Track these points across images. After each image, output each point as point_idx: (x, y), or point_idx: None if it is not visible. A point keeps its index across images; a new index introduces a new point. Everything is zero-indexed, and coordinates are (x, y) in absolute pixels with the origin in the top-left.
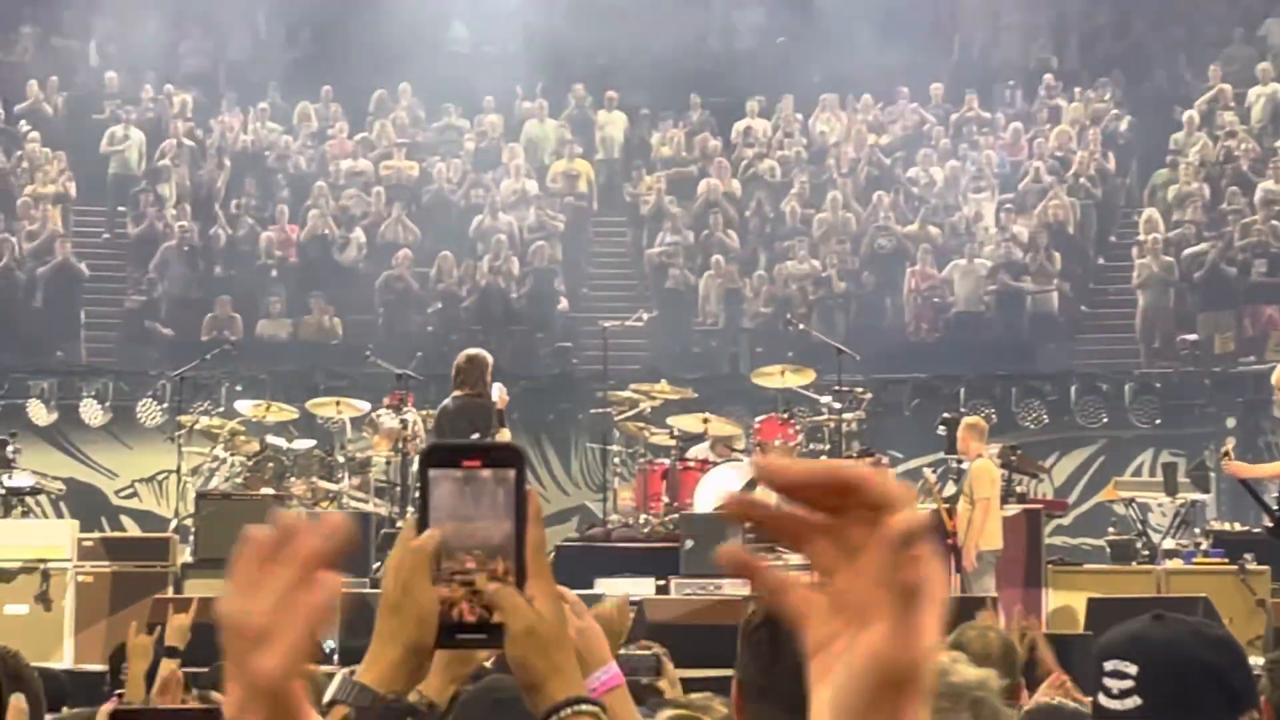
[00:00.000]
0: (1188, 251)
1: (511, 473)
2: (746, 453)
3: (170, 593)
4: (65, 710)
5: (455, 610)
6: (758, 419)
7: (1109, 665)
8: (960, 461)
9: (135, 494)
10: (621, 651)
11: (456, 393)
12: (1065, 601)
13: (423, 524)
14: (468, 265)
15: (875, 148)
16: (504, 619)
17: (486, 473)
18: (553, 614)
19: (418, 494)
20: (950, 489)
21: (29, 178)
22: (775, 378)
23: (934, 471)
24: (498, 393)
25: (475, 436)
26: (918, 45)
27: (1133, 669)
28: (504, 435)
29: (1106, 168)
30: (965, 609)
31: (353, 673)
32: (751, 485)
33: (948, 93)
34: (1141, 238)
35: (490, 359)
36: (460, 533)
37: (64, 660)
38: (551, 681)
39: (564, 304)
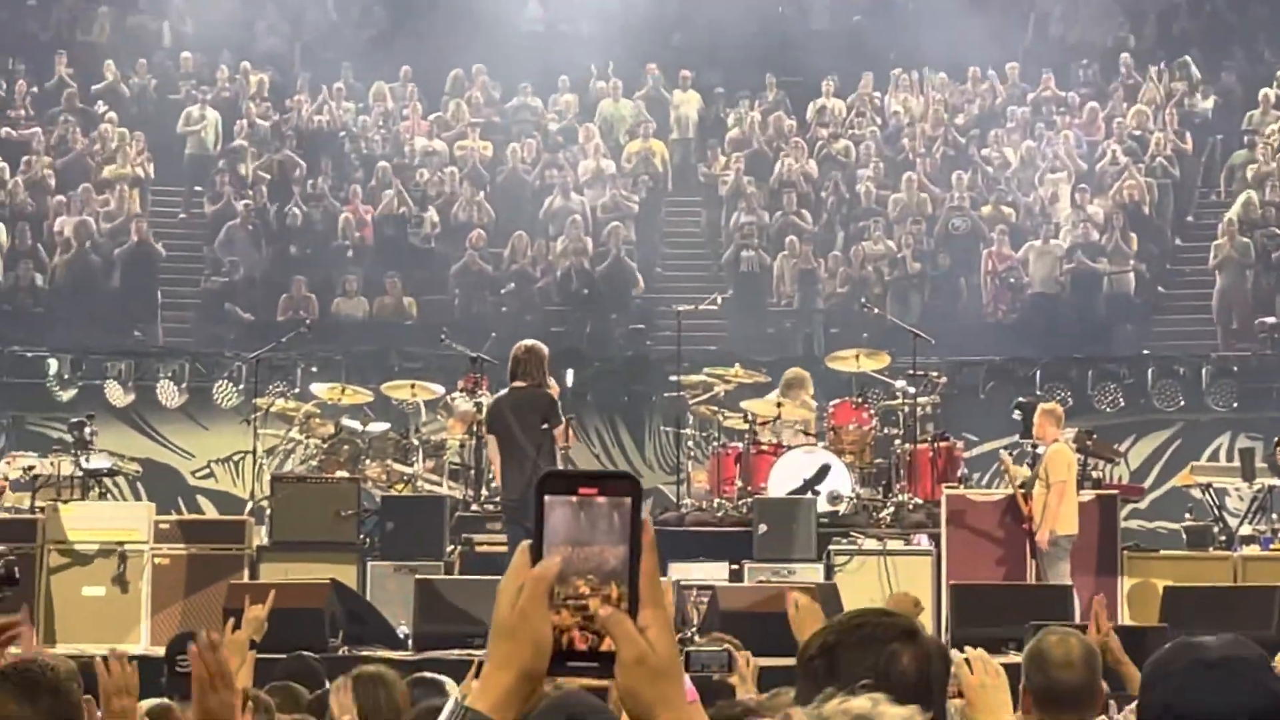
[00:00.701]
0: (1259, 233)
1: (627, 500)
2: (821, 437)
3: (246, 575)
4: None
5: (566, 637)
6: (832, 403)
7: None
8: (1035, 446)
9: (211, 475)
10: (691, 649)
11: (516, 384)
12: (1141, 590)
13: (538, 550)
14: (541, 246)
15: (951, 127)
16: (615, 647)
17: (602, 500)
18: (664, 644)
19: (534, 519)
20: (1025, 472)
21: (107, 158)
22: (850, 362)
23: (1010, 454)
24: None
25: (545, 427)
26: (993, 23)
27: None
28: (560, 432)
29: (1183, 148)
30: (1042, 598)
31: (463, 699)
32: (824, 473)
33: (1023, 72)
34: (1225, 217)
35: (546, 351)
36: (575, 558)
37: (140, 642)
38: (659, 713)
39: (639, 285)
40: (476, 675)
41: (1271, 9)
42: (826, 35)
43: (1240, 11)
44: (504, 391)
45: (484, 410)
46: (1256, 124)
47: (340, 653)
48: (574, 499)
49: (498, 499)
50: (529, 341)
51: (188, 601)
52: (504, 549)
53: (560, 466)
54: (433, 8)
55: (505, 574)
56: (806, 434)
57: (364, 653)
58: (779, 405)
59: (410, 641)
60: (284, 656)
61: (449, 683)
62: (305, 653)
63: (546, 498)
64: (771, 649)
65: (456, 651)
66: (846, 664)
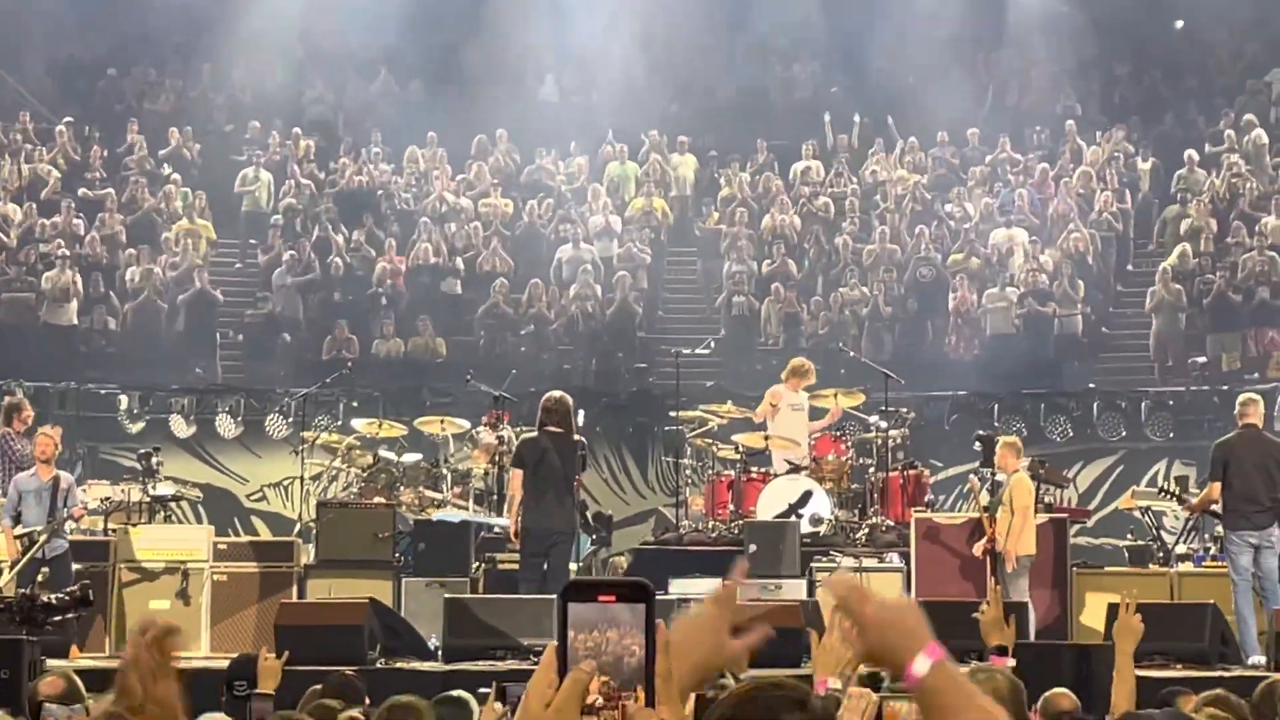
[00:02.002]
0: (1197, 280)
1: (642, 607)
2: (804, 468)
3: (295, 591)
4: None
5: None
6: (813, 437)
7: None
8: (994, 474)
9: (264, 498)
10: None
11: (550, 428)
12: (1088, 603)
13: (563, 652)
14: (555, 292)
15: (918, 186)
16: None
17: (620, 606)
18: None
19: (557, 625)
20: (986, 497)
21: (172, 216)
22: (828, 400)
23: (980, 479)
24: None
25: (580, 471)
26: (956, 93)
27: None
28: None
29: (1124, 205)
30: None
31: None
32: (806, 498)
33: (983, 136)
34: (1161, 265)
35: (571, 401)
36: (599, 661)
37: (201, 650)
38: None
39: (642, 327)
40: (499, 698)
41: (1201, 79)
42: (808, 104)
43: (1173, 84)
44: (537, 433)
45: (515, 445)
46: (1186, 182)
47: (378, 665)
48: (595, 605)
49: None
50: (558, 393)
51: (243, 614)
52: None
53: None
54: (462, 81)
55: (536, 672)
56: (790, 463)
57: (399, 664)
58: (765, 439)
59: (440, 653)
60: (328, 670)
61: (472, 701)
62: (346, 669)
63: (570, 605)
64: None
65: (482, 663)
66: None
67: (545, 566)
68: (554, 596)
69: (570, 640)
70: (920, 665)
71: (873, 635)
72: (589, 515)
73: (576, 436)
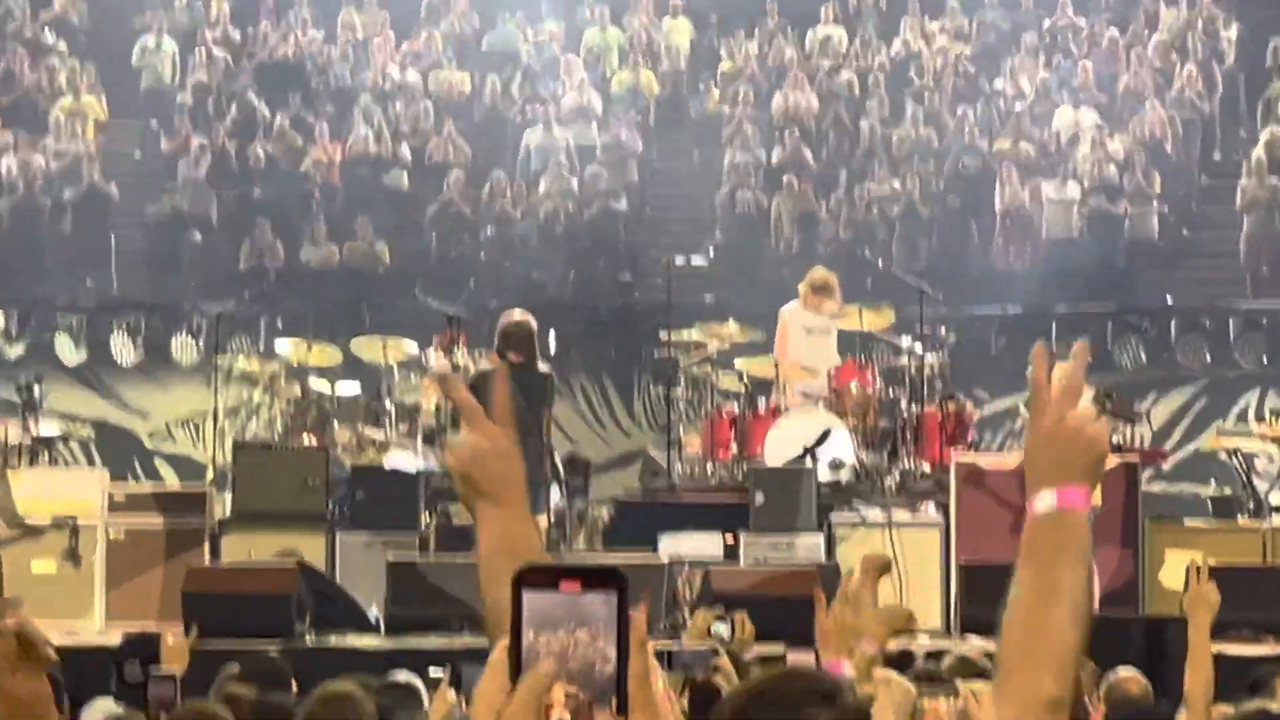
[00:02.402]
0: None
1: (613, 596)
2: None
3: (206, 551)
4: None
5: None
6: (818, 306)
7: None
8: None
9: (170, 437)
10: (675, 649)
11: (509, 357)
12: (1168, 561)
13: (516, 650)
14: (521, 187)
15: (961, 57)
16: None
17: (586, 596)
18: None
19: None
20: None
21: (56, 93)
22: (852, 319)
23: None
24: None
25: (546, 409)
26: None
27: None
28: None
29: (1212, 78)
30: None
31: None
32: (825, 438)
33: None
34: (1255, 155)
35: (534, 325)
36: (557, 661)
37: (95, 620)
38: None
39: (627, 231)
40: (452, 683)
41: None
42: None
43: None
44: (492, 366)
45: (469, 376)
46: None
47: (308, 641)
48: (555, 594)
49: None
50: (517, 314)
51: (144, 578)
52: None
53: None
54: None
55: (483, 675)
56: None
57: (333, 640)
58: (776, 365)
59: (382, 626)
60: (247, 648)
61: (421, 688)
62: (269, 647)
63: (525, 592)
64: (768, 634)
65: (433, 637)
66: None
67: None
68: None
69: (529, 641)
70: (1043, 502)
71: (1035, 441)
72: (559, 459)
73: (542, 367)
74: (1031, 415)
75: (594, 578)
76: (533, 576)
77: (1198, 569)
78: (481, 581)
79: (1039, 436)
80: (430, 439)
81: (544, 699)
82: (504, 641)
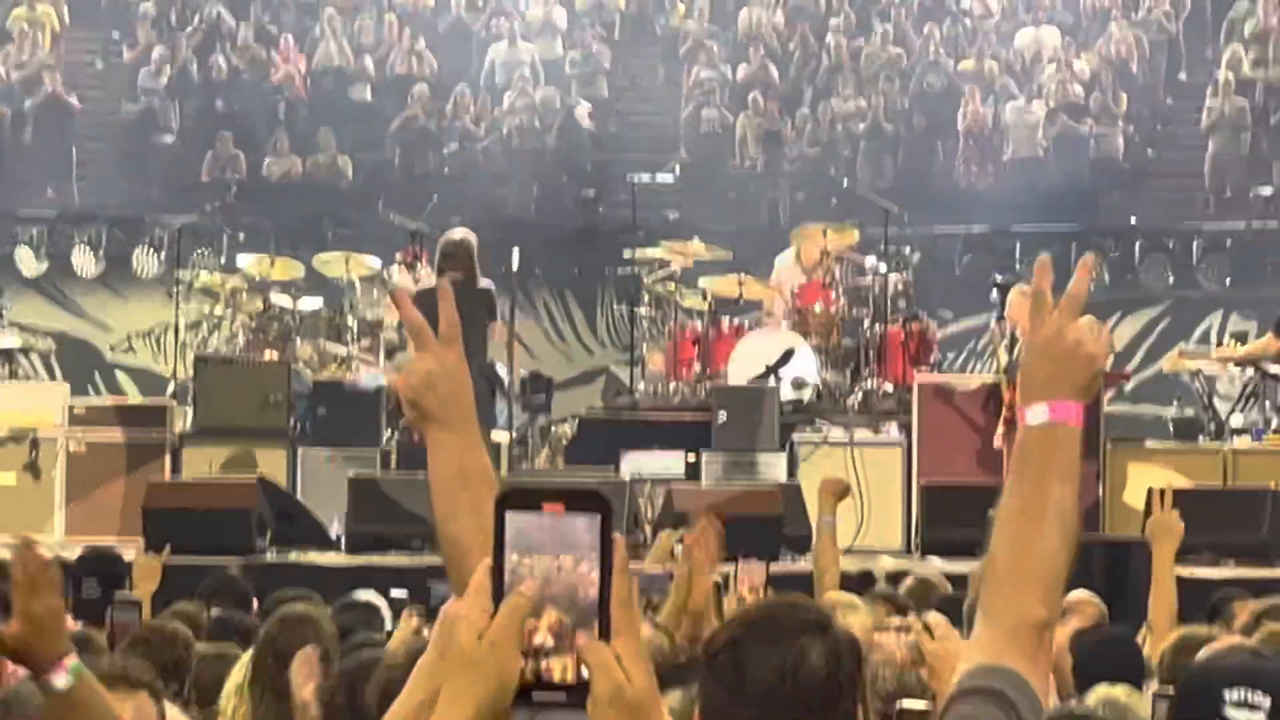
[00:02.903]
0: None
1: (597, 518)
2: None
3: (167, 465)
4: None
5: (531, 667)
6: (797, 282)
7: (1234, 694)
8: (1015, 328)
9: (131, 349)
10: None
11: (450, 275)
12: (1130, 480)
13: (499, 572)
14: (485, 101)
15: None
16: (590, 678)
17: (569, 518)
18: (640, 676)
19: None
20: (1004, 358)
21: (13, 1)
22: (816, 237)
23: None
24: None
25: (489, 322)
26: None
27: (1266, 701)
28: (498, 329)
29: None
30: None
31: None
32: (788, 357)
33: None
34: (1219, 76)
35: (475, 240)
36: (540, 584)
37: (55, 533)
38: None
39: (591, 146)
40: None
41: None
42: None
43: None
44: (433, 284)
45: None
46: None
47: (268, 558)
48: (537, 516)
49: None
50: (458, 233)
51: (105, 492)
52: None
53: (499, 361)
54: None
55: (465, 596)
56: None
57: (293, 556)
58: (740, 283)
59: (344, 543)
60: (207, 565)
61: (383, 607)
62: (230, 564)
63: (507, 514)
64: (730, 553)
65: (395, 555)
66: (753, 663)
67: None
68: None
69: (511, 564)
70: (1035, 414)
71: (1032, 353)
72: (523, 375)
73: (482, 283)
74: (1031, 325)
75: (577, 500)
76: (515, 498)
77: (1160, 494)
78: (434, 509)
79: (1037, 348)
80: (392, 354)
81: (527, 622)
82: (486, 562)
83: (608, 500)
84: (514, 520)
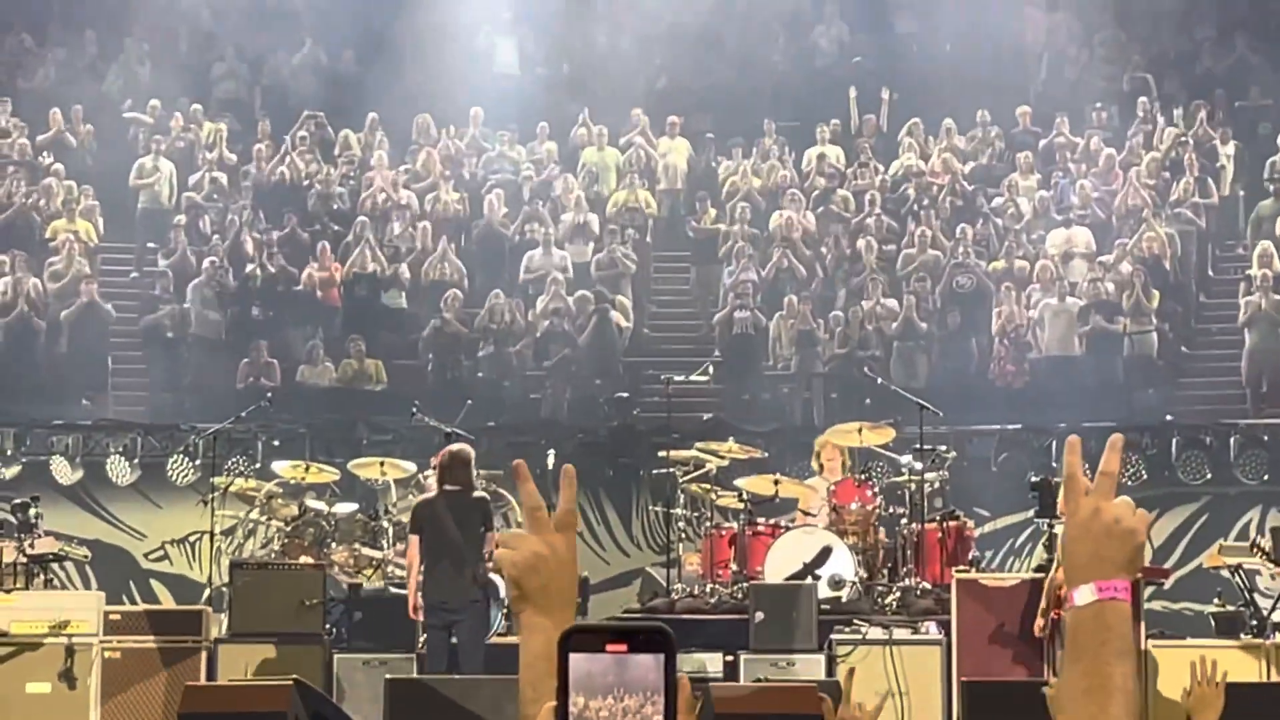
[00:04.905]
0: None
1: (661, 658)
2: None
3: (203, 669)
4: None
5: None
6: (834, 480)
7: None
8: (1052, 526)
9: (165, 557)
10: None
11: (448, 487)
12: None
13: (563, 716)
14: (518, 306)
15: (957, 177)
16: None
17: (632, 658)
18: None
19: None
20: (1042, 555)
21: (53, 213)
22: (852, 436)
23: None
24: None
25: (483, 531)
26: (1003, 64)
27: None
28: (493, 539)
29: (1207, 198)
30: None
31: None
32: (825, 555)
33: (1035, 116)
34: (1252, 272)
35: (472, 453)
36: None
37: None
38: None
39: (625, 350)
40: None
41: None
42: (826, 78)
43: (1264, 51)
44: (433, 494)
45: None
46: (1278, 171)
47: None
48: (601, 657)
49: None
50: (455, 447)
51: (141, 700)
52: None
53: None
54: (403, 50)
55: None
56: (807, 514)
57: None
58: (776, 482)
59: None
60: None
61: None
62: None
63: (571, 655)
64: None
65: None
66: None
67: (454, 641)
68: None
69: (577, 708)
70: (1082, 595)
71: (1071, 535)
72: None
73: (478, 493)
74: (1067, 508)
75: (641, 639)
76: (579, 639)
77: (1203, 665)
78: (521, 689)
79: (1075, 529)
80: None
81: None
82: (550, 705)
83: (672, 639)
84: (577, 662)
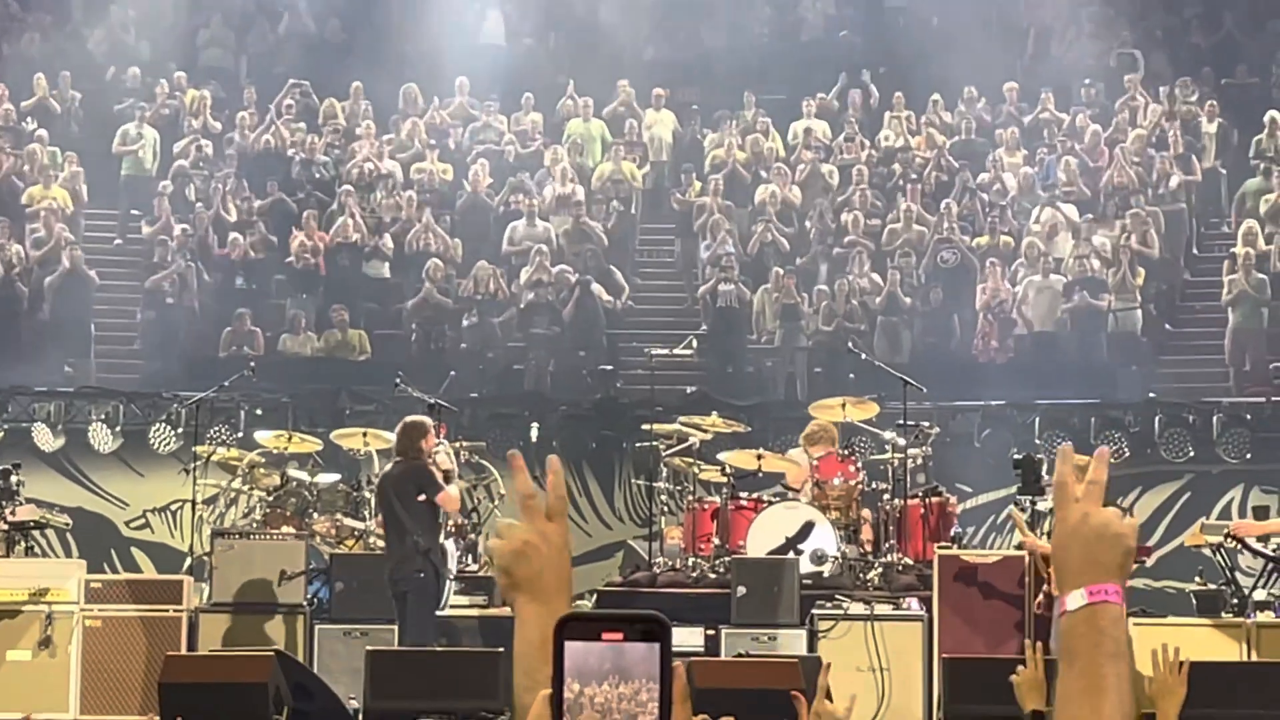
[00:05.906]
0: None
1: (656, 646)
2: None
3: (184, 639)
4: None
5: None
6: (816, 456)
7: None
8: (1034, 502)
9: (147, 525)
10: None
11: (396, 459)
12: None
13: (558, 701)
14: (502, 277)
15: (943, 152)
16: None
17: (628, 646)
18: None
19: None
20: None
21: (36, 180)
22: (835, 411)
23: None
24: (444, 454)
25: (422, 498)
26: (991, 39)
27: None
28: (452, 492)
29: (1191, 175)
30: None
31: None
32: (808, 530)
33: (1022, 92)
34: (1236, 251)
35: (426, 424)
36: (600, 711)
37: (69, 712)
38: None
39: (608, 321)
40: None
41: None
42: (813, 52)
43: (1253, 28)
44: (389, 465)
45: (447, 462)
46: (1264, 148)
47: None
48: (598, 646)
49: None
50: (408, 418)
51: (121, 669)
52: (465, 612)
53: (442, 538)
54: (389, 20)
55: None
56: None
57: None
58: (759, 457)
59: (362, 717)
60: None
61: None
62: None
63: (566, 643)
64: None
65: None
66: None
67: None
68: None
69: (571, 695)
70: (1074, 600)
71: (1061, 540)
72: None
73: (415, 462)
74: (1057, 513)
75: (637, 627)
76: (574, 627)
77: (1167, 657)
78: (516, 678)
79: (1065, 535)
80: None
81: None
82: (545, 693)
83: (668, 627)
84: (573, 650)
